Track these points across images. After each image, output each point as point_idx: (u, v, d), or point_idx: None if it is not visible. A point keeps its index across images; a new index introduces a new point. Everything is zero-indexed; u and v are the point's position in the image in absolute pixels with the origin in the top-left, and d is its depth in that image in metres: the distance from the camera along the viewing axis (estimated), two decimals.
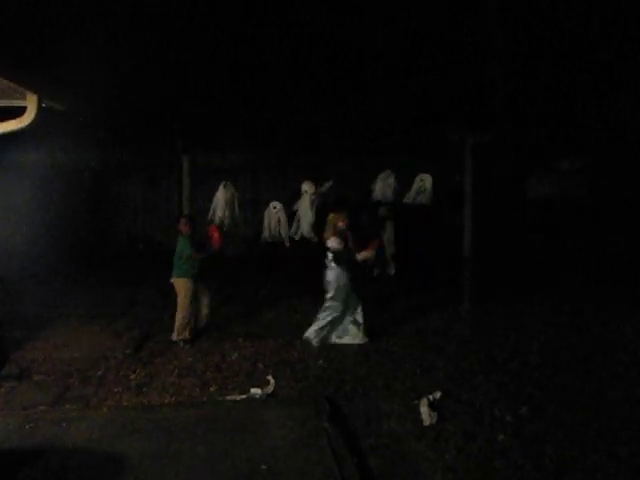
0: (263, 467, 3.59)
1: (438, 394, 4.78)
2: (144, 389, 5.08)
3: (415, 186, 8.07)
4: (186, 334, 6.35)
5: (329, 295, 6.33)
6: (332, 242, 6.36)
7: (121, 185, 11.95)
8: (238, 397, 4.87)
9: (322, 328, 6.34)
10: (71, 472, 3.62)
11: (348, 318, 6.39)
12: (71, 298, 8.38)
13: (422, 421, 4.35)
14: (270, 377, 5.29)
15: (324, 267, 6.41)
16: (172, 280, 6.48)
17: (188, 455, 3.78)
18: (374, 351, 6.09)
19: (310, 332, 6.36)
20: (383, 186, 8.10)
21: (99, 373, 5.46)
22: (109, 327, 6.99)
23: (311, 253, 7.54)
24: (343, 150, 9.65)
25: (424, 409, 4.46)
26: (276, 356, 5.94)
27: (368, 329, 6.43)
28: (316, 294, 8.16)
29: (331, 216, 6.49)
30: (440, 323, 7.01)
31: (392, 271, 9.35)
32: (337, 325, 6.40)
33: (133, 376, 5.39)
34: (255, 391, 4.99)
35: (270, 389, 5.06)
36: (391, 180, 8.05)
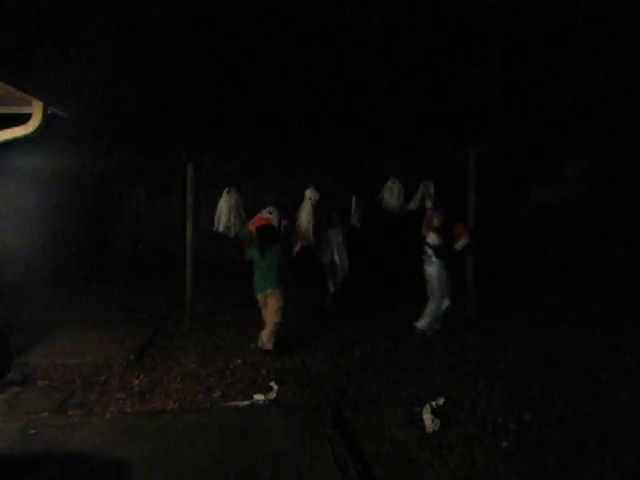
0: (266, 473, 3.59)
1: (441, 400, 4.78)
2: (147, 395, 5.08)
3: (419, 192, 8.08)
4: (271, 343, 6.16)
5: (433, 288, 6.61)
6: (432, 238, 6.61)
7: (124, 191, 12.00)
8: (241, 403, 4.87)
9: (433, 321, 6.73)
10: (74, 478, 3.63)
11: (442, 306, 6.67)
12: (74, 304, 8.40)
13: (425, 428, 4.35)
14: (273, 383, 5.30)
15: (423, 263, 6.68)
16: (269, 291, 6.17)
17: (191, 461, 3.78)
18: (377, 357, 6.09)
19: (423, 324, 6.74)
20: (389, 194, 8.11)
21: (102, 379, 5.46)
22: (112, 333, 6.99)
23: (310, 256, 7.56)
24: (346, 156, 9.67)
25: (427, 416, 4.45)
26: (279, 362, 5.94)
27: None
28: (316, 300, 8.18)
29: (429, 214, 6.79)
30: (442, 329, 7.00)
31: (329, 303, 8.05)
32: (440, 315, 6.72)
33: (136, 382, 5.39)
34: (258, 397, 4.99)
35: (273, 395, 5.06)
36: (396, 187, 8.06)
